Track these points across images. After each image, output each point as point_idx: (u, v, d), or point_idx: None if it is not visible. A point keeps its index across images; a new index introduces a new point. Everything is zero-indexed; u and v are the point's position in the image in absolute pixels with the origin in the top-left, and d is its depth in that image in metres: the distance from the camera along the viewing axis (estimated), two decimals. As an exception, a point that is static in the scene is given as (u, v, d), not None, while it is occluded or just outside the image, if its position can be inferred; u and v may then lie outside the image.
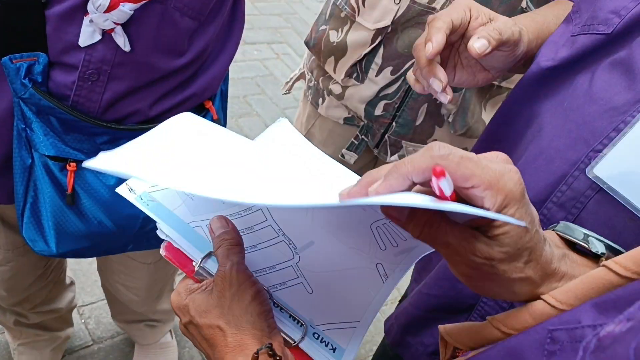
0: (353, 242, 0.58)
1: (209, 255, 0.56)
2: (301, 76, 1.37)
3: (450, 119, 1.13)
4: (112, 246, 1.00)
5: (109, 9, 0.75)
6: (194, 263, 0.56)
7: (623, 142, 0.57)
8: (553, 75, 0.70)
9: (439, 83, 0.69)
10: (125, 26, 0.78)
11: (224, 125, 1.05)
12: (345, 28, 1.15)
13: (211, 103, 0.98)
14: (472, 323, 0.48)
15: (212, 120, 0.98)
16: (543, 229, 0.55)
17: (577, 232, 0.50)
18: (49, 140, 0.85)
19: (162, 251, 0.58)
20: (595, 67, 0.65)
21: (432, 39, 0.66)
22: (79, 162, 0.87)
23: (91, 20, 0.77)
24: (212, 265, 0.56)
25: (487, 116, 1.14)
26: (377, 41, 1.10)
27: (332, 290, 0.59)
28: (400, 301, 1.04)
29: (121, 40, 0.79)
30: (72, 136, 0.86)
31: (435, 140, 1.16)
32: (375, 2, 1.08)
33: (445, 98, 0.69)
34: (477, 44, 0.65)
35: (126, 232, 0.96)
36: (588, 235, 0.49)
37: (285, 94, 1.44)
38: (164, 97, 0.90)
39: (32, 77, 0.80)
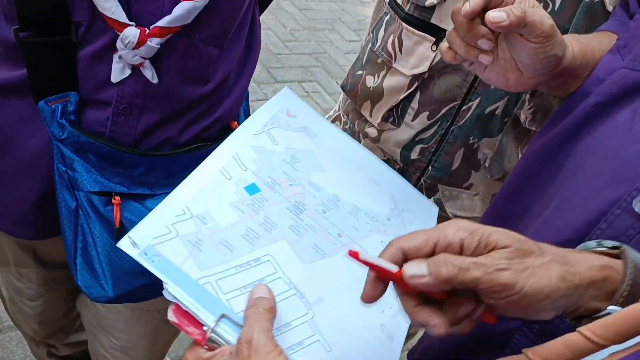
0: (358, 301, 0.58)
1: (221, 317, 0.52)
2: (337, 118, 1.39)
3: (486, 164, 1.14)
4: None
5: (137, 45, 0.77)
6: (205, 328, 0.53)
7: None
8: (596, 111, 0.69)
9: (487, 42, 0.66)
10: (153, 59, 0.81)
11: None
12: (382, 73, 1.18)
13: (236, 122, 0.99)
14: (509, 358, 0.47)
15: None
16: None
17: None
18: (92, 177, 0.86)
19: (171, 315, 0.54)
20: (638, 104, 0.64)
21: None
22: (122, 195, 0.88)
23: (120, 57, 0.79)
24: (226, 330, 0.52)
25: (524, 162, 1.14)
26: (414, 87, 1.12)
27: (350, 348, 0.57)
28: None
29: (149, 74, 0.82)
30: (110, 170, 0.88)
31: (472, 184, 1.17)
32: (412, 48, 1.11)
33: (486, 60, 0.68)
34: (494, 13, 0.62)
35: None
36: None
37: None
38: (193, 123, 0.92)
39: (67, 117, 0.82)
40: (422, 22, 1.09)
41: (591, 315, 0.51)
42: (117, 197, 0.87)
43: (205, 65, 0.86)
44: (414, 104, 1.14)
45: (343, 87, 1.30)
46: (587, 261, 0.52)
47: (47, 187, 0.89)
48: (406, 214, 0.75)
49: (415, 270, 0.47)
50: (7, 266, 1.14)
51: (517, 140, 1.13)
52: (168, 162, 0.91)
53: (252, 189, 0.65)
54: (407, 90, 1.13)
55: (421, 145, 1.15)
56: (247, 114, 1.06)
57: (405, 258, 0.50)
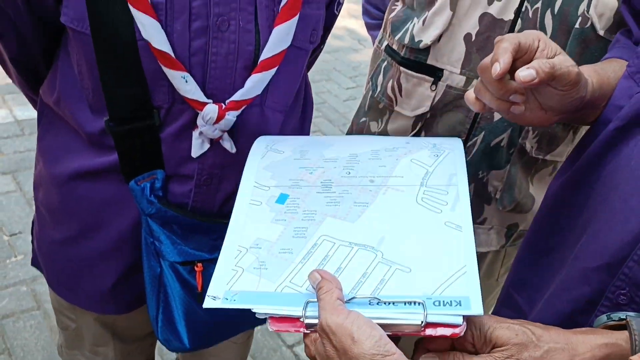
0: (415, 218, 0.68)
1: (306, 304, 0.60)
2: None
3: (497, 196, 1.17)
4: (235, 330, 1.10)
5: (217, 120, 0.86)
6: (301, 319, 0.60)
7: None
8: (618, 135, 0.73)
9: (520, 96, 0.70)
10: (229, 131, 0.89)
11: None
12: (385, 118, 1.23)
13: None
14: None
15: None
16: (621, 290, 0.63)
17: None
18: (176, 249, 0.94)
19: (271, 327, 0.61)
20: None
21: (500, 59, 0.66)
22: (203, 262, 0.96)
23: (200, 133, 0.88)
24: (314, 312, 0.59)
25: (534, 190, 1.18)
26: (418, 127, 1.17)
27: (426, 257, 0.63)
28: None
29: (228, 145, 0.90)
30: (193, 238, 0.96)
31: (485, 218, 1.19)
32: (412, 90, 1.16)
33: (518, 110, 0.72)
34: (524, 72, 0.65)
35: (247, 312, 1.05)
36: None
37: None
38: None
39: (155, 194, 0.91)
40: (418, 64, 1.14)
41: None
42: (200, 265, 0.95)
43: (273, 130, 0.95)
44: (421, 145, 1.17)
45: (349, 135, 1.34)
46: (588, 342, 0.57)
47: (133, 261, 0.97)
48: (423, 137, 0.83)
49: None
50: (79, 348, 1.18)
51: (525, 169, 1.16)
52: None
53: (281, 198, 0.73)
54: (411, 131, 1.18)
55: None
56: None
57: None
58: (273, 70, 0.86)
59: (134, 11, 0.78)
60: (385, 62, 1.24)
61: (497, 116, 1.10)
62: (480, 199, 1.18)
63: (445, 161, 0.76)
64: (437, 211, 0.69)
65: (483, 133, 1.12)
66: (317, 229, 0.68)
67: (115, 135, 0.87)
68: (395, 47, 1.21)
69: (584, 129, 1.15)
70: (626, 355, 0.55)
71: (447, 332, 0.57)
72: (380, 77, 1.24)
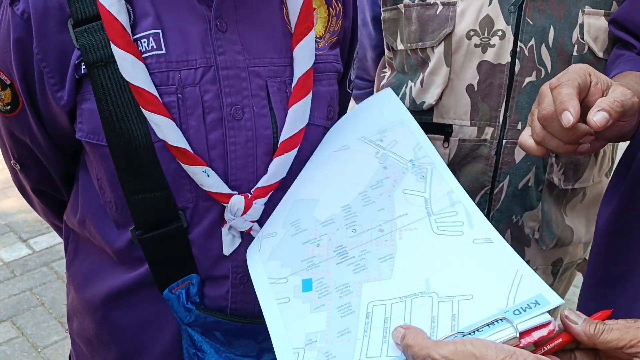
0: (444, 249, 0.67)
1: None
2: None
3: (536, 237, 1.14)
4: None
5: (245, 211, 0.83)
6: None
7: None
8: None
9: (590, 137, 0.69)
10: (259, 221, 0.86)
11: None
12: (404, 184, 1.21)
13: None
14: None
15: None
16: None
17: None
18: (221, 357, 0.88)
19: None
20: None
21: (569, 108, 0.65)
22: None
23: (230, 227, 0.85)
24: None
25: (570, 221, 1.16)
26: None
27: (477, 279, 0.62)
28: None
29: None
30: (238, 343, 0.90)
31: (528, 260, 1.17)
32: None
33: (586, 148, 0.72)
34: (598, 117, 0.65)
35: None
36: None
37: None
38: None
39: (192, 300, 0.86)
40: (425, 124, 1.14)
41: None
42: None
43: None
44: (447, 203, 1.15)
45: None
46: None
47: None
48: (384, 141, 0.82)
49: None
50: None
51: (557, 203, 1.15)
52: None
53: (306, 285, 0.70)
54: None
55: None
56: None
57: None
58: (295, 151, 0.85)
59: (147, 113, 0.77)
60: (389, 130, 1.24)
61: (518, 158, 1.10)
62: (519, 243, 1.16)
63: (434, 180, 0.75)
64: (458, 234, 0.67)
65: (508, 177, 1.11)
66: (360, 299, 0.66)
67: (143, 244, 0.84)
68: None
69: (605, 151, 1.16)
70: None
71: (544, 332, 0.56)
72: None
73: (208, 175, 0.80)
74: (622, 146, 0.84)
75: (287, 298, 0.70)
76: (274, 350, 0.95)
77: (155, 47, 0.79)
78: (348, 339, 0.62)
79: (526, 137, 0.73)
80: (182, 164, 0.79)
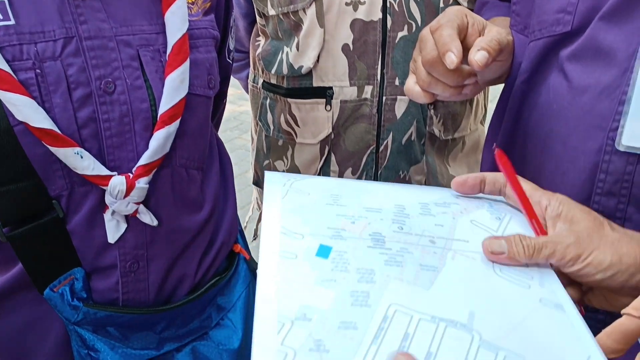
0: (501, 292, 0.57)
1: None
2: (261, 216, 1.38)
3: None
4: None
5: (127, 192, 0.77)
6: None
7: (633, 107, 0.61)
8: (528, 88, 0.75)
9: (474, 77, 0.70)
10: (145, 202, 0.80)
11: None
12: (289, 154, 1.20)
13: (239, 246, 1.00)
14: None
15: (245, 260, 1.01)
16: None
17: None
18: (117, 354, 0.82)
19: None
20: (560, 64, 0.70)
21: (452, 49, 0.64)
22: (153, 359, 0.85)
23: (113, 212, 0.78)
24: None
25: (454, 171, 1.21)
26: (326, 151, 1.15)
27: (535, 342, 0.53)
28: None
29: (147, 218, 0.81)
30: (135, 337, 0.84)
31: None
32: (308, 117, 1.15)
33: (471, 90, 0.72)
34: (478, 56, 0.65)
35: None
36: None
37: (254, 240, 1.44)
38: (203, 257, 0.91)
39: (78, 297, 0.79)
40: (305, 89, 1.13)
41: None
42: None
43: (194, 191, 0.88)
44: (334, 167, 1.16)
45: (257, 183, 1.30)
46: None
47: None
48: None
49: (495, 243, 0.58)
50: None
51: (440, 154, 1.19)
52: (188, 309, 0.90)
53: (323, 251, 0.58)
54: (320, 157, 1.16)
55: (359, 201, 1.17)
56: (242, 235, 1.07)
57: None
58: (176, 123, 0.79)
59: (1, 93, 0.69)
60: (269, 99, 1.22)
61: (399, 114, 1.12)
62: None
63: (510, 227, 0.65)
64: (524, 286, 0.58)
65: (391, 133, 1.13)
66: (382, 295, 0.54)
67: (13, 242, 0.75)
68: (274, 81, 1.19)
69: (478, 99, 1.22)
70: None
71: None
72: (269, 115, 1.22)
73: (81, 157, 0.73)
74: (492, 95, 0.88)
75: (294, 254, 0.58)
76: (171, 337, 0.89)
77: (1, 17, 0.70)
78: (351, 337, 0.50)
79: (412, 85, 0.73)
80: (49, 147, 0.72)
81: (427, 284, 0.56)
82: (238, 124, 4.39)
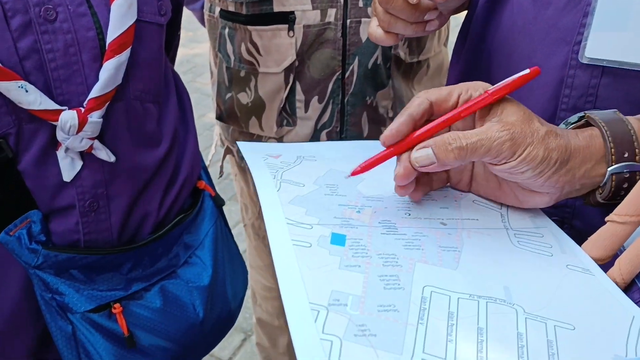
0: (528, 263, 0.57)
1: None
2: (226, 152, 1.35)
3: (390, 115, 1.16)
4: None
5: (80, 127, 0.73)
6: None
7: (597, 18, 0.60)
8: (491, 7, 0.74)
9: (434, 11, 0.68)
10: (100, 138, 0.78)
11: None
12: (252, 85, 1.16)
13: (203, 182, 0.98)
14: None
15: (211, 196, 0.99)
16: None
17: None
18: (83, 296, 0.81)
19: None
20: None
21: None
22: (120, 301, 0.84)
23: (67, 149, 0.75)
24: None
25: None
26: (291, 79, 1.12)
27: (576, 308, 0.52)
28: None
29: (104, 154, 0.78)
30: (101, 278, 0.83)
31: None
32: (270, 45, 1.11)
33: (435, 25, 0.70)
34: None
35: (189, 345, 0.93)
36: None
37: (220, 177, 1.41)
38: (165, 194, 0.89)
39: (36, 240, 0.77)
40: (266, 15, 1.09)
41: (599, 186, 0.57)
42: (117, 305, 0.84)
43: (150, 126, 0.85)
44: (299, 96, 1.13)
45: (219, 118, 1.26)
46: (574, 136, 0.56)
47: (42, 329, 0.84)
48: None
49: (422, 155, 0.55)
50: None
51: (405, 78, 1.17)
52: (154, 248, 0.88)
53: (337, 239, 0.57)
54: (285, 86, 1.12)
55: (326, 131, 1.15)
56: (206, 172, 1.04)
57: (430, 109, 0.58)
58: (127, 52, 0.76)
59: None
60: (227, 29, 1.17)
61: (364, 37, 1.08)
62: (376, 124, 1.18)
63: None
64: (547, 254, 0.57)
65: (357, 59, 1.10)
66: (412, 278, 0.53)
67: None
68: (232, 8, 1.14)
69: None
70: (601, 146, 0.55)
71: None
72: (229, 45, 1.17)
73: (26, 91, 0.70)
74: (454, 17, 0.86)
75: (307, 243, 0.56)
76: (138, 277, 0.88)
77: None
78: (395, 319, 0.49)
79: (374, 28, 0.72)
80: None
81: (453, 264, 0.55)
82: (191, 67, 4.28)
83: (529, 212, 0.63)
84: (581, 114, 0.59)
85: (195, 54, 4.47)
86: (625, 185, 0.55)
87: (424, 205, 0.63)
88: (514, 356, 0.47)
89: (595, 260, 0.53)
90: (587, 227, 0.65)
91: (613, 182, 0.55)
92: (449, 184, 0.65)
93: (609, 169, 0.55)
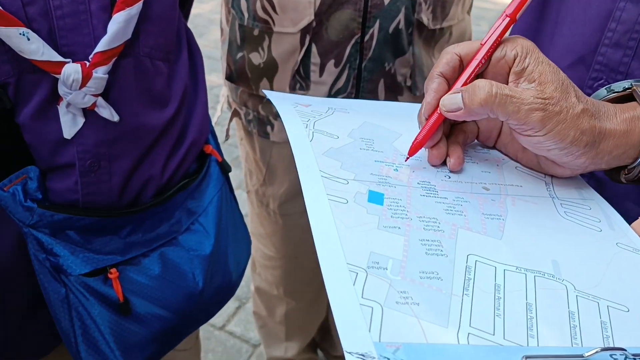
0: (576, 237, 0.54)
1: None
2: (234, 114, 1.31)
3: (408, 84, 1.12)
4: (177, 337, 0.95)
5: (83, 82, 0.70)
6: None
7: None
8: None
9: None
10: (105, 95, 0.74)
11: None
12: (266, 44, 1.11)
13: (210, 146, 0.94)
14: None
15: (217, 162, 0.96)
16: (598, 81, 0.62)
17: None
18: (79, 258, 0.78)
19: None
20: None
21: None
22: (117, 266, 0.81)
23: (68, 104, 0.71)
24: None
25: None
26: (307, 41, 1.07)
27: (629, 290, 0.49)
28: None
29: (107, 112, 0.74)
30: (98, 241, 0.80)
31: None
32: (287, 2, 1.06)
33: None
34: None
35: (186, 315, 0.91)
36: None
37: (226, 140, 1.37)
38: (170, 157, 0.85)
39: (32, 197, 0.74)
40: None
41: (625, 166, 0.54)
42: (114, 270, 0.81)
43: (159, 85, 0.81)
44: (315, 59, 1.08)
45: (229, 78, 1.21)
46: (613, 116, 0.53)
47: (34, 291, 0.81)
48: None
49: (451, 100, 0.53)
50: None
51: (426, 46, 1.13)
52: (155, 212, 0.85)
53: (375, 197, 0.54)
54: (300, 48, 1.08)
55: (340, 96, 1.11)
56: (214, 136, 1.01)
57: (460, 64, 0.55)
58: (139, 5, 0.71)
59: None
60: (243, -17, 1.11)
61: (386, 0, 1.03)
62: (392, 92, 1.15)
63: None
64: (596, 229, 0.55)
65: (378, 22, 1.05)
66: (456, 244, 0.50)
67: None
68: None
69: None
70: None
71: None
72: (243, 1, 1.12)
73: (28, 39, 0.66)
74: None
75: (344, 199, 0.53)
76: (138, 242, 0.85)
77: None
78: (439, 288, 0.46)
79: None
80: None
81: (497, 233, 0.52)
82: (192, 27, 4.15)
83: (574, 183, 0.60)
84: (627, 84, 0.56)
85: (196, 14, 4.37)
86: None
87: (465, 167, 0.60)
88: (567, 336, 0.44)
89: None
90: (607, 178, 0.63)
91: None
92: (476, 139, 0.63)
93: None
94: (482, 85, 0.51)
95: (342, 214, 0.50)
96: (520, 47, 0.53)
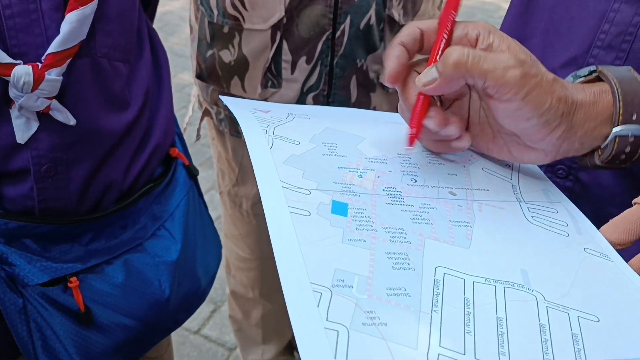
0: (543, 244, 0.53)
1: None
2: (205, 113, 1.28)
3: (380, 80, 1.11)
4: (144, 346, 0.93)
5: (35, 85, 0.67)
6: None
7: None
8: None
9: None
10: (60, 98, 0.72)
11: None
12: (236, 42, 1.09)
13: (176, 149, 0.92)
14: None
15: (184, 165, 0.94)
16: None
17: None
18: (36, 267, 0.76)
19: None
20: None
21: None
22: (78, 274, 0.79)
23: (20, 108, 0.69)
24: None
25: (412, 60, 1.13)
26: (278, 37, 1.05)
27: (597, 299, 0.48)
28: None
29: (63, 116, 0.72)
30: (57, 249, 0.78)
31: (375, 107, 1.15)
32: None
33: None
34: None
35: (153, 324, 0.89)
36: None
37: (197, 141, 1.34)
38: (132, 161, 0.83)
39: None
40: None
41: (599, 147, 0.53)
42: (74, 279, 0.79)
43: (118, 87, 0.79)
44: (286, 56, 1.07)
45: (200, 77, 1.19)
46: (581, 90, 0.53)
47: None
48: None
49: (426, 73, 0.51)
50: None
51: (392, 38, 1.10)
52: (117, 219, 0.83)
53: (338, 207, 0.52)
54: (271, 45, 1.06)
55: (312, 94, 1.10)
56: (181, 139, 0.99)
57: (421, 38, 0.54)
58: (94, 5, 0.70)
59: None
60: (213, -21, 1.09)
61: (357, -5, 1.02)
62: (365, 90, 1.14)
63: (523, 172, 0.61)
64: (563, 234, 0.53)
65: (349, 17, 1.05)
66: (423, 257, 0.49)
67: None
68: None
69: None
70: (609, 104, 0.52)
71: None
72: (212, -1, 1.09)
73: None
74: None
75: (306, 211, 0.51)
76: (100, 250, 0.83)
77: None
78: (407, 305, 0.45)
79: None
80: None
81: (465, 241, 0.51)
82: (162, 25, 4.11)
83: (541, 184, 0.59)
84: (592, 67, 0.56)
85: (166, 12, 4.30)
86: (628, 150, 0.51)
87: (431, 169, 0.59)
88: (538, 352, 0.43)
89: (615, 245, 0.50)
90: (594, 181, 0.63)
91: (615, 145, 0.51)
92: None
93: (613, 130, 0.51)
94: (454, 49, 0.49)
95: (304, 227, 0.48)
96: (481, 27, 0.52)
